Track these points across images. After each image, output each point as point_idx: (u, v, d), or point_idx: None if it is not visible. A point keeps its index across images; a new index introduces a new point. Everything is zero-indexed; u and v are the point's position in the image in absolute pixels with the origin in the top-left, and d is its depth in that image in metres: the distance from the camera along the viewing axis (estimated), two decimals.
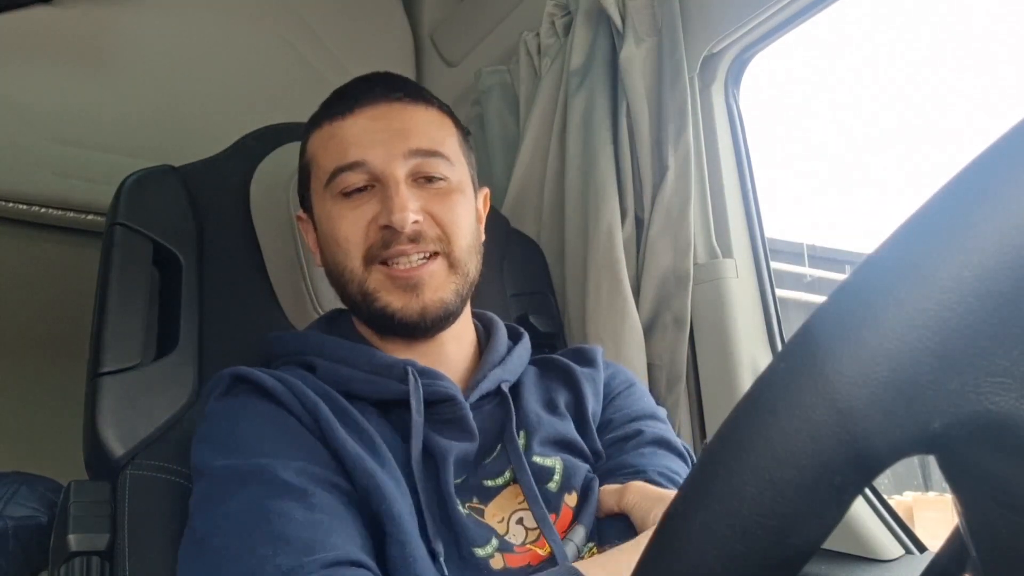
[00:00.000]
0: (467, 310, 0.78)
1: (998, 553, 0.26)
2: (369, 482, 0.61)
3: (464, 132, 0.81)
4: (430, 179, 0.73)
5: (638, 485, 0.66)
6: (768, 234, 1.08)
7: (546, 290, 1.13)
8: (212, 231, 0.91)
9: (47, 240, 1.44)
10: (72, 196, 1.39)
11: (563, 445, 0.72)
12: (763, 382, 0.27)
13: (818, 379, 0.25)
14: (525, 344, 0.80)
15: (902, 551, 0.92)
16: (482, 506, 0.67)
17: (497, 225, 1.09)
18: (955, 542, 0.34)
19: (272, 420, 0.65)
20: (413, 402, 0.67)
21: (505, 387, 0.73)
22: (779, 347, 1.04)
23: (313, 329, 0.79)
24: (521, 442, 0.71)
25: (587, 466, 0.72)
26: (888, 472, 0.26)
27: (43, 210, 1.39)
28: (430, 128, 0.74)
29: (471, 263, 0.74)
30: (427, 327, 0.72)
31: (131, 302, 0.83)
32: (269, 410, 0.66)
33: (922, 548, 0.93)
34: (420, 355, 0.74)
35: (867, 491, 0.95)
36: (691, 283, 1.03)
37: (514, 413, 0.72)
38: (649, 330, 1.06)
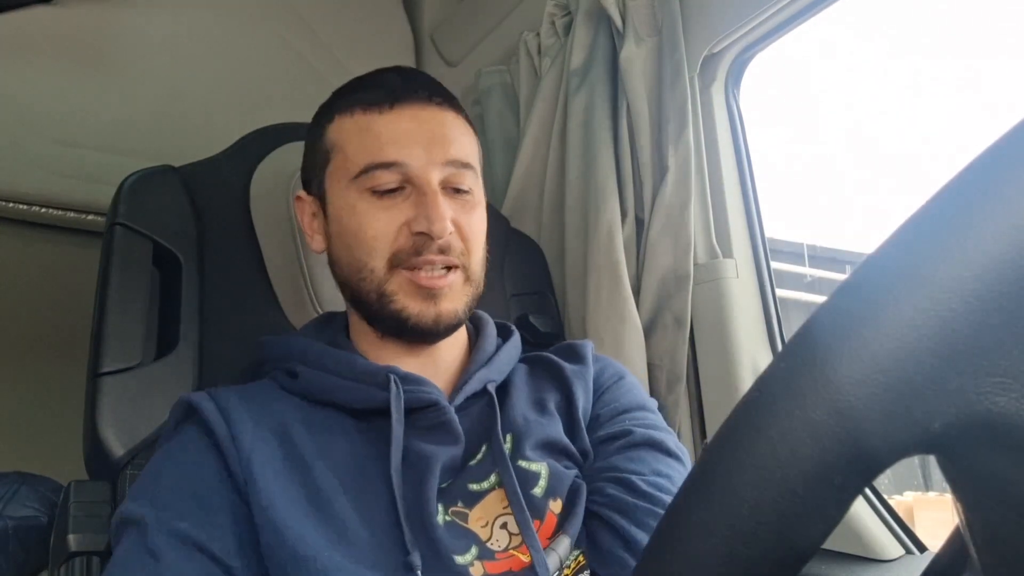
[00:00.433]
0: None
1: (998, 553, 0.26)
2: (277, 537, 0.60)
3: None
4: (457, 190, 0.72)
5: None
6: (768, 234, 1.08)
7: (546, 290, 1.13)
8: (212, 231, 0.91)
9: (47, 240, 1.44)
10: (72, 196, 1.39)
11: (550, 448, 0.71)
12: (763, 382, 0.27)
13: (818, 379, 0.25)
14: (514, 342, 0.79)
15: (902, 551, 0.92)
16: (466, 510, 0.67)
17: (497, 225, 1.09)
18: (955, 542, 0.34)
19: (190, 473, 0.63)
20: (394, 411, 0.67)
21: (491, 387, 0.73)
22: (779, 347, 1.04)
23: (301, 334, 0.78)
24: (508, 445, 0.70)
25: (575, 471, 0.71)
26: (888, 472, 0.26)
27: (43, 210, 1.39)
28: (464, 139, 0.74)
29: (482, 276, 0.75)
30: (438, 334, 0.72)
31: (131, 302, 0.83)
32: (195, 460, 0.64)
33: (922, 548, 0.93)
34: (414, 358, 0.73)
35: (867, 491, 0.95)
36: (691, 283, 1.03)
37: (499, 414, 0.71)
38: (649, 330, 1.06)
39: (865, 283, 0.26)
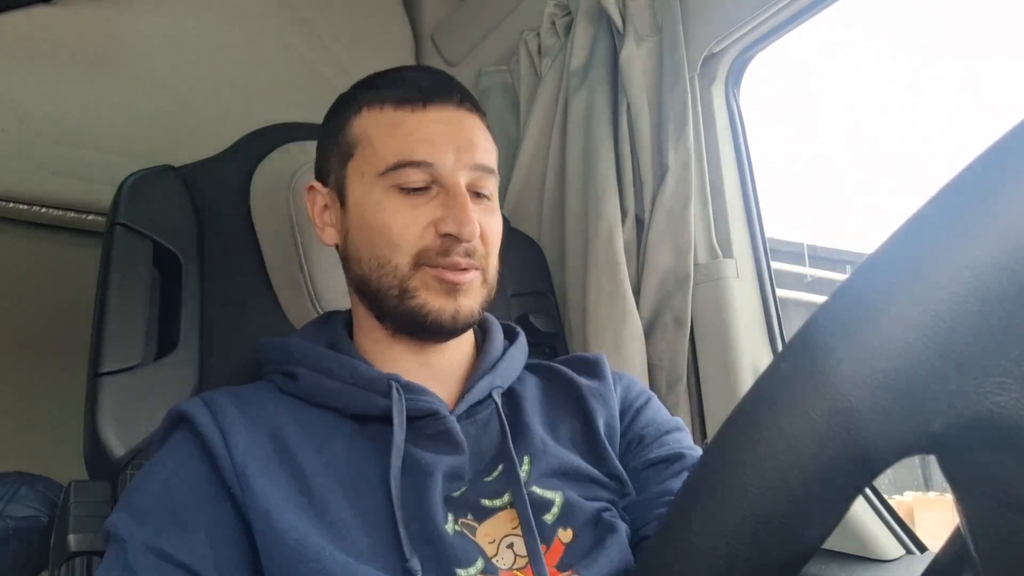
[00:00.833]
0: None
1: (998, 553, 0.26)
2: (278, 540, 0.59)
3: None
4: (479, 194, 0.73)
5: None
6: (768, 234, 1.08)
7: (546, 290, 1.13)
8: (212, 231, 0.91)
9: (47, 240, 1.44)
10: (72, 196, 1.39)
11: (569, 477, 0.71)
12: (764, 382, 0.27)
13: (819, 379, 0.25)
14: (520, 344, 0.79)
15: (902, 551, 0.92)
16: (475, 524, 0.66)
17: None
18: (955, 542, 0.34)
19: (176, 486, 0.63)
20: (396, 419, 0.66)
21: (496, 394, 0.72)
22: (779, 347, 1.04)
23: (300, 335, 0.77)
24: (525, 468, 0.70)
25: (600, 503, 0.70)
26: (888, 472, 0.26)
27: (43, 210, 1.40)
28: (487, 144, 0.75)
29: (495, 280, 0.75)
30: (454, 331, 0.72)
31: (131, 302, 0.83)
32: (183, 471, 0.64)
33: (922, 548, 0.93)
34: (420, 360, 0.73)
35: (867, 491, 0.95)
36: (691, 283, 1.03)
37: (507, 425, 0.71)
38: (649, 330, 1.06)
39: (865, 283, 0.26)
